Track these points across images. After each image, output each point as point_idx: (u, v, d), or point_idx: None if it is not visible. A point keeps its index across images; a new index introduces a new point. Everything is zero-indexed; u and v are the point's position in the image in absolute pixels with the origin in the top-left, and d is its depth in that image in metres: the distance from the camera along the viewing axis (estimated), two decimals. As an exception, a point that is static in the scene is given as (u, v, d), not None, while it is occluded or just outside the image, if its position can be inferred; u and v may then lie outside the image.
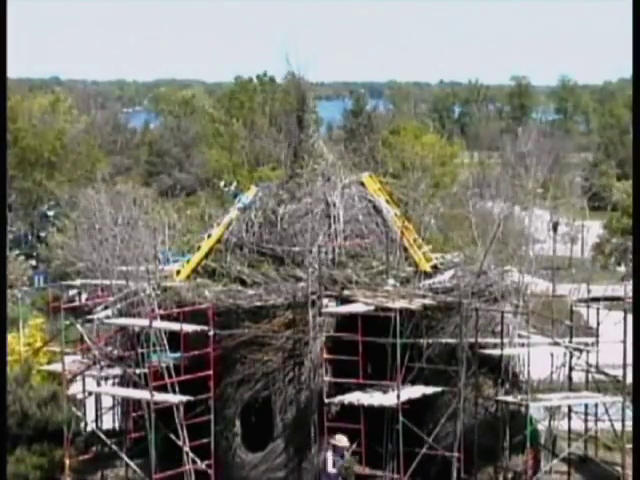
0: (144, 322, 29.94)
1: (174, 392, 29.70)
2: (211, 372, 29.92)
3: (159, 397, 29.27)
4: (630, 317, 29.09)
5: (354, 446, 29.43)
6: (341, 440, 28.90)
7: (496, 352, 30.56)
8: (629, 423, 29.59)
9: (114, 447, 31.40)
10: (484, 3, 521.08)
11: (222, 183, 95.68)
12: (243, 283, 32.08)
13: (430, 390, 30.17)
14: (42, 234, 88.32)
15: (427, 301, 30.58)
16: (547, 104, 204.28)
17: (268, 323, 30.65)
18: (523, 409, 30.78)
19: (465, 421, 30.78)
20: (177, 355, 30.22)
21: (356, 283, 31.41)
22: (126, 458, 30.43)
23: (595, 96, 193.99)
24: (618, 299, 34.14)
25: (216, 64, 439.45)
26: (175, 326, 29.88)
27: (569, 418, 33.31)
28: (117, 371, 32.42)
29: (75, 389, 32.74)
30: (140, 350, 30.67)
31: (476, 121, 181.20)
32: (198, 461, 30.00)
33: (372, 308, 30.01)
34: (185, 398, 29.48)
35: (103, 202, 33.91)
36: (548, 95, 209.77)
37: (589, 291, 34.48)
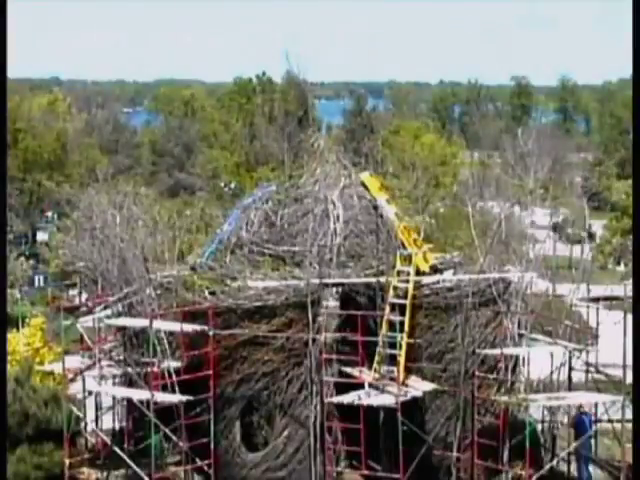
0: (144, 322, 29.97)
1: (174, 392, 29.77)
2: (211, 372, 30.00)
3: (159, 397, 29.30)
4: (630, 317, 29.10)
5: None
6: None
7: (496, 352, 30.62)
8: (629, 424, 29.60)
9: (115, 447, 31.44)
10: (484, 3, 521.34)
11: (222, 183, 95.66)
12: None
13: (429, 387, 30.26)
14: (42, 234, 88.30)
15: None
16: (547, 104, 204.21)
17: (268, 323, 30.69)
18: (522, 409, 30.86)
19: (465, 421, 30.89)
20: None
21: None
22: (127, 458, 30.45)
23: (595, 96, 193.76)
24: (618, 299, 34.14)
25: (216, 64, 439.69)
26: (175, 326, 29.91)
27: (569, 418, 33.33)
28: (117, 371, 32.48)
29: (75, 389, 32.78)
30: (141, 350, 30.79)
31: (476, 121, 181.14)
32: (198, 460, 30.14)
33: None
34: (185, 398, 29.53)
35: (104, 202, 33.91)
36: (548, 95, 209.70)
37: (589, 291, 34.49)
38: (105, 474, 31.92)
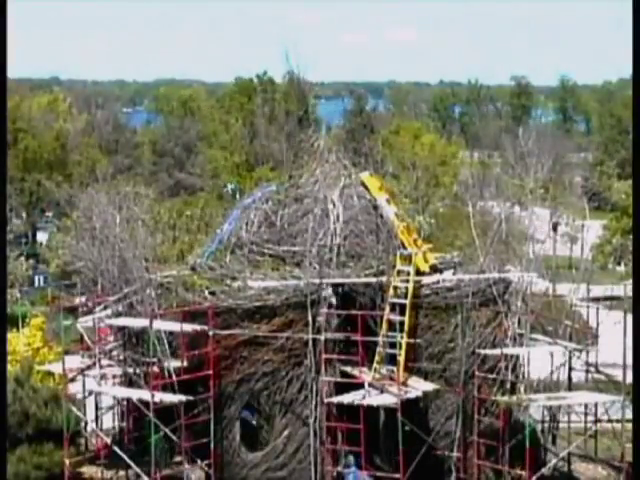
0: (144, 322, 29.96)
1: (174, 392, 29.77)
2: (211, 372, 30.01)
3: (159, 397, 29.29)
4: (630, 317, 29.11)
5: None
6: None
7: (496, 352, 30.63)
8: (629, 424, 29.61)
9: (115, 447, 31.48)
10: (484, 3, 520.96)
11: (222, 183, 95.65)
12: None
13: (429, 387, 30.26)
14: (42, 234, 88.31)
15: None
16: (547, 104, 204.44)
17: (268, 323, 30.69)
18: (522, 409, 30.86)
19: (465, 421, 30.90)
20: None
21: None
22: (127, 458, 30.46)
23: (595, 96, 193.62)
24: (618, 299, 34.12)
25: (216, 64, 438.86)
26: (175, 326, 29.91)
27: (569, 418, 33.37)
28: (117, 371, 32.49)
29: (75, 389, 32.80)
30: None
31: (476, 121, 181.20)
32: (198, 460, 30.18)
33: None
34: (185, 398, 29.53)
35: (104, 202, 33.91)
36: (548, 95, 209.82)
37: (589, 291, 34.51)
38: (112, 472, 31.95)
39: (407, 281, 30.65)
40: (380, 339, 30.17)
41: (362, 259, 32.08)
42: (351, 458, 29.87)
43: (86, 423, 33.40)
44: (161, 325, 30.09)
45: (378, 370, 30.20)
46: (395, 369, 29.82)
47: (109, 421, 34.85)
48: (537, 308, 32.12)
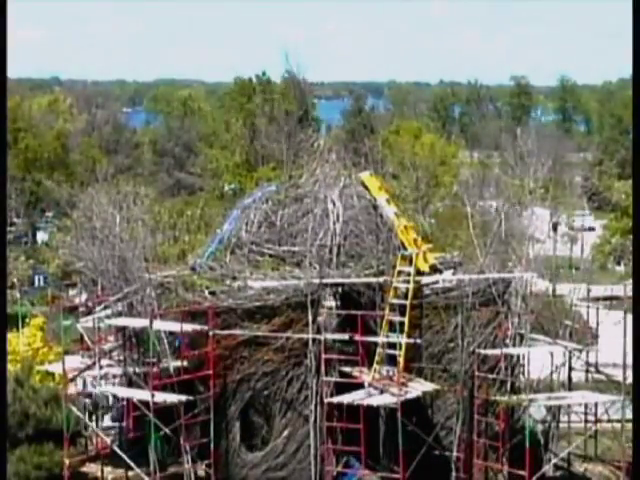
0: (144, 322, 29.96)
1: (174, 392, 29.77)
2: (211, 372, 30.01)
3: (159, 397, 29.29)
4: (630, 317, 29.12)
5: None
6: None
7: (496, 352, 30.62)
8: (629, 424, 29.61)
9: (115, 447, 31.50)
10: (484, 3, 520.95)
11: (221, 183, 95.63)
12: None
13: (429, 387, 30.26)
14: (42, 234, 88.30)
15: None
16: (547, 104, 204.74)
17: (268, 323, 30.70)
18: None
19: (465, 421, 30.90)
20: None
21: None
22: (127, 458, 30.48)
23: (595, 96, 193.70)
24: (618, 299, 34.12)
25: (216, 64, 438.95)
26: (175, 326, 29.91)
27: (569, 418, 33.35)
28: (117, 371, 32.49)
29: (75, 388, 32.81)
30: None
31: (476, 121, 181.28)
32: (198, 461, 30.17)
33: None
34: (185, 398, 29.53)
35: (104, 202, 33.92)
36: (548, 95, 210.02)
37: (589, 291, 34.50)
38: (112, 472, 31.98)
39: (407, 282, 30.64)
40: (380, 339, 30.18)
41: (362, 259, 32.09)
42: (352, 458, 29.88)
43: (86, 423, 33.38)
44: (161, 325, 30.09)
45: (378, 370, 30.20)
46: (395, 369, 29.82)
47: (109, 421, 34.85)
48: (537, 308, 32.12)
